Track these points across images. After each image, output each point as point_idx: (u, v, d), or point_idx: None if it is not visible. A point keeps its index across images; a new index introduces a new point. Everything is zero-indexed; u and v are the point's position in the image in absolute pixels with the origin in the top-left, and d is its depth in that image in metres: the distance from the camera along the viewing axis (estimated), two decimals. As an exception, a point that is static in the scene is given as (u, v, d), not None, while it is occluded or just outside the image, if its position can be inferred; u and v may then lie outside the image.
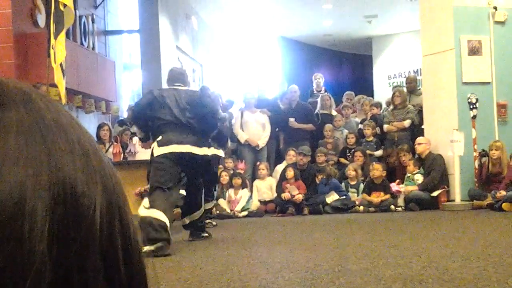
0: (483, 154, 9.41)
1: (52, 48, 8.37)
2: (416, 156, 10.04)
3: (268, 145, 10.99)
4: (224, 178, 9.85)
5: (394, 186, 9.69)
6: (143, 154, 8.36)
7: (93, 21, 11.82)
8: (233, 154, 10.60)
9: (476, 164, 9.55)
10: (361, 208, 9.56)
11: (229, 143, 8.93)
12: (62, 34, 8.64)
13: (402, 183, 9.89)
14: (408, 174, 9.88)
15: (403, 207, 9.55)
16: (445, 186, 9.58)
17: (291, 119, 11.20)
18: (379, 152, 10.72)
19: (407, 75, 16.63)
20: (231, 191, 9.78)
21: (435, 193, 9.49)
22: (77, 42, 10.98)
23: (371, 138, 10.83)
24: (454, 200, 9.40)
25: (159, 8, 12.42)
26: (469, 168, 9.55)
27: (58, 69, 8.42)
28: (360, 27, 17.16)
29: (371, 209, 9.48)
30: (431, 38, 10.17)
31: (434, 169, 9.65)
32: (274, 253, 5.50)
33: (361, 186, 9.93)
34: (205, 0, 14.45)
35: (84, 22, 11.40)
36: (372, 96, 16.48)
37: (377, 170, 9.71)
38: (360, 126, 11.35)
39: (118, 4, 13.24)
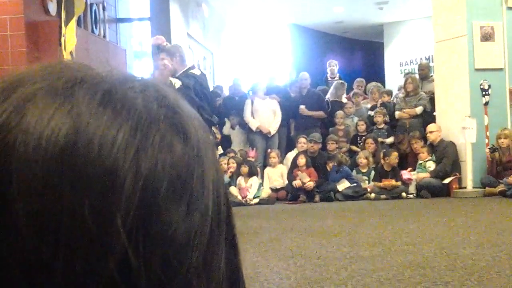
0: (493, 149, 9.32)
1: (63, 36, 8.41)
2: (428, 143, 9.99)
3: (279, 132, 10.96)
4: (232, 165, 9.85)
5: (405, 174, 9.65)
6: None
7: (104, 9, 11.79)
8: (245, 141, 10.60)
9: (487, 152, 9.48)
10: (373, 195, 9.54)
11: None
12: (73, 22, 8.68)
13: (414, 170, 9.86)
14: (420, 161, 9.84)
15: (415, 194, 9.52)
16: (457, 173, 9.54)
17: (302, 106, 11.17)
18: (390, 139, 10.68)
19: (419, 62, 16.54)
20: (241, 179, 9.78)
21: (446, 180, 9.45)
22: (88, 30, 10.97)
23: (382, 125, 10.79)
24: (466, 187, 9.36)
25: (169, -5, 12.40)
26: (481, 155, 9.49)
27: (69, 57, 8.45)
28: (372, 13, 17.03)
29: (383, 196, 9.45)
30: (444, 24, 10.10)
31: (446, 156, 9.60)
32: (285, 240, 5.51)
33: (372, 173, 9.90)
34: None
35: (95, 9, 11.38)
36: (384, 83, 16.40)
37: (393, 159, 9.65)
38: (370, 113, 11.30)
39: (129, -9, 13.21)
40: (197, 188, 0.47)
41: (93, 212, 0.42)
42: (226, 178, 8.33)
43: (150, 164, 0.44)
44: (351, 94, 12.35)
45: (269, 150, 10.47)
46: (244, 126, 10.78)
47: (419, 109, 10.59)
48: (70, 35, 8.50)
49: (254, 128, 10.68)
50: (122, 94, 0.46)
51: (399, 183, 9.54)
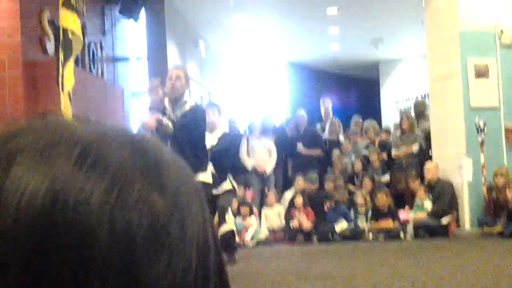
0: (491, 187, 9.30)
1: (61, 76, 8.42)
2: (425, 182, 9.98)
3: (275, 171, 10.94)
4: (234, 206, 9.82)
5: (402, 214, 9.62)
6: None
7: (101, 48, 11.87)
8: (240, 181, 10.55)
9: (485, 191, 9.46)
10: (370, 235, 9.49)
11: None
12: (71, 62, 8.69)
13: (411, 209, 9.83)
14: (417, 200, 9.82)
15: (413, 234, 9.48)
16: (455, 213, 9.51)
17: (299, 145, 11.18)
18: (385, 178, 10.66)
19: (414, 99, 16.66)
20: (238, 219, 9.73)
21: (444, 220, 9.42)
22: (85, 69, 11.03)
23: (377, 164, 10.78)
24: (463, 227, 9.32)
25: (167, 35, 12.50)
26: (478, 194, 9.47)
27: (66, 97, 8.45)
28: (367, 51, 17.19)
29: (380, 236, 9.41)
30: (438, 62, 10.18)
31: (443, 195, 9.58)
32: (283, 285, 5.46)
33: (370, 213, 9.87)
34: (212, 26, 14.53)
35: (93, 49, 11.46)
36: (380, 120, 16.48)
37: (381, 200, 9.64)
38: (365, 152, 11.30)
39: (126, 30, 13.31)
40: (177, 242, 0.47)
41: (71, 274, 0.43)
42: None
43: (125, 223, 0.45)
44: (348, 132, 12.37)
45: (266, 190, 10.44)
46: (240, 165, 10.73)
47: (415, 148, 10.61)
48: (68, 75, 8.50)
49: (249, 167, 10.66)
50: (97, 153, 0.48)
51: (396, 223, 9.51)
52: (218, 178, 6.57)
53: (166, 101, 6.07)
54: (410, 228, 9.55)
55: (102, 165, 0.47)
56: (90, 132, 0.50)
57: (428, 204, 9.67)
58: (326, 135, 11.98)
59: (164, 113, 6.05)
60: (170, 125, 5.87)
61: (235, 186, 7.47)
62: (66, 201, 0.44)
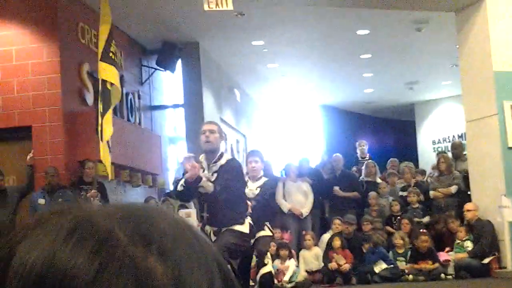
0: None
1: (100, 126, 8.62)
2: (465, 222, 9.87)
3: (312, 214, 10.92)
4: (272, 249, 9.80)
5: (443, 255, 9.49)
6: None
7: (139, 97, 12.14)
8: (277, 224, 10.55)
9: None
10: (410, 277, 9.37)
11: None
12: (109, 112, 8.90)
13: (451, 250, 9.71)
14: (458, 241, 9.70)
15: (454, 275, 9.33)
16: (496, 253, 9.35)
17: (336, 188, 11.19)
18: (426, 219, 10.57)
19: (452, 139, 16.54)
20: (277, 262, 9.71)
21: (485, 260, 9.26)
22: (124, 118, 11.27)
23: (416, 205, 10.71)
24: (506, 267, 9.15)
25: (202, 83, 12.72)
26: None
27: (105, 146, 8.63)
28: (402, 93, 17.24)
29: (421, 278, 9.28)
30: (474, 104, 10.13)
31: (484, 235, 9.45)
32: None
33: (409, 254, 9.76)
34: (247, 73, 14.75)
35: (130, 98, 11.72)
36: (417, 161, 16.37)
37: (421, 241, 9.53)
38: (402, 193, 11.23)
39: (163, 80, 13.61)
40: None
41: None
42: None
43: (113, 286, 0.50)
44: (385, 174, 12.33)
45: (304, 232, 10.42)
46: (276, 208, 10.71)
47: (453, 188, 10.52)
48: (107, 125, 8.70)
49: (286, 210, 10.67)
50: (86, 224, 0.54)
51: (436, 264, 9.38)
52: (257, 226, 6.58)
53: (202, 157, 6.12)
54: (451, 269, 9.41)
55: (88, 235, 0.53)
56: (89, 208, 0.57)
57: (469, 245, 9.54)
58: (362, 177, 11.95)
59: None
60: (210, 185, 5.90)
61: (273, 232, 7.51)
62: (57, 272, 0.51)
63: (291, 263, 9.68)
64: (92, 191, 8.83)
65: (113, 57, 9.08)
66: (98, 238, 0.52)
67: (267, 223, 7.24)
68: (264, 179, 7.36)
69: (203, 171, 6.03)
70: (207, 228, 6.03)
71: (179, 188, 5.95)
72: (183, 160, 5.94)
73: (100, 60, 8.91)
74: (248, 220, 6.15)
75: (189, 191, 5.92)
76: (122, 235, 0.53)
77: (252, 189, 6.86)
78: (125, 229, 0.53)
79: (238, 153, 14.55)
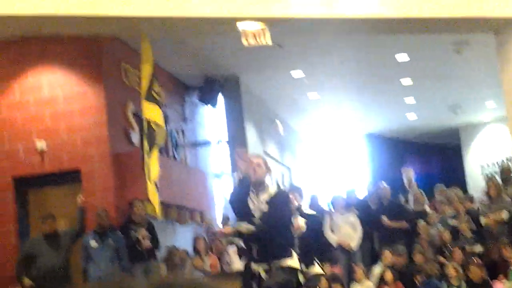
0: None
1: (146, 165, 8.72)
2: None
3: (361, 246, 10.79)
4: (324, 285, 9.69)
5: (498, 285, 9.26)
6: (238, 265, 8.39)
7: (183, 134, 12.26)
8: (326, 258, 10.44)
9: None
10: (466, 308, 9.16)
11: None
12: (155, 151, 9.00)
13: (506, 278, 9.46)
14: (512, 269, 9.46)
15: (510, 305, 9.09)
16: (554, 280, 9.09)
17: (384, 218, 11.05)
18: (478, 248, 10.34)
19: (500, 162, 16.24)
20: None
21: (543, 288, 9.01)
22: (169, 156, 11.37)
23: (469, 234, 10.49)
24: None
25: (244, 116, 12.80)
26: None
27: (152, 185, 8.72)
28: (446, 118, 17.06)
29: (476, 309, 9.06)
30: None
31: (540, 262, 9.20)
32: None
33: (463, 284, 9.54)
34: (289, 105, 14.80)
35: (174, 135, 11.84)
36: (465, 187, 16.11)
37: (475, 271, 9.32)
38: (450, 221, 11.01)
39: (206, 115, 13.72)
40: None
41: None
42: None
43: None
44: (434, 201, 12.14)
45: (354, 265, 10.29)
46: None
47: (505, 214, 10.29)
48: (153, 164, 8.81)
49: (334, 244, 10.56)
50: None
51: (492, 294, 9.15)
52: (305, 262, 6.56)
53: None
54: (507, 299, 9.17)
55: None
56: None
57: (524, 273, 9.29)
58: (410, 206, 11.79)
59: (248, 192, 6.10)
60: (251, 227, 5.94)
61: (323, 269, 7.47)
62: None
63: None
64: (143, 231, 8.90)
65: (156, 96, 9.23)
66: None
67: (316, 259, 7.21)
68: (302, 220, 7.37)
69: (253, 203, 6.06)
70: (255, 267, 6.00)
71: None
72: (237, 155, 6.03)
73: (144, 99, 9.07)
74: (294, 253, 6.13)
75: (246, 189, 5.98)
76: None
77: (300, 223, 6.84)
78: None
79: (283, 186, 14.51)
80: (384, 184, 11.74)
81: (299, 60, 12.14)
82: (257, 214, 5.98)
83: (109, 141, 9.62)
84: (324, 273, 7.57)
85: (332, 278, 9.69)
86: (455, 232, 10.67)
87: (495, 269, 9.90)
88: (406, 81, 13.96)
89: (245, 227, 5.92)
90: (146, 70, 9.16)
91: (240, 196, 6.13)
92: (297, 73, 12.85)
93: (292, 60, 12.08)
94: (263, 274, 5.91)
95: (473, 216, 10.87)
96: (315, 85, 13.70)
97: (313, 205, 11.64)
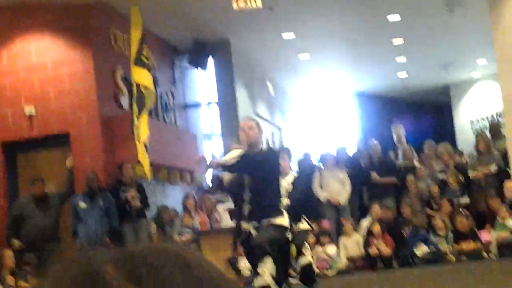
0: None
1: (136, 128, 8.81)
2: (506, 200, 9.78)
3: (350, 201, 10.95)
4: (311, 240, 9.88)
5: (485, 235, 9.44)
6: (228, 222, 8.54)
7: (173, 97, 12.32)
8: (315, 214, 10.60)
9: None
10: (452, 258, 9.34)
11: None
12: (145, 115, 9.08)
13: (493, 228, 9.63)
14: (499, 220, 9.62)
15: (496, 254, 9.27)
16: (539, 230, 9.26)
17: (374, 174, 11.18)
18: (465, 200, 10.50)
19: (490, 118, 16.34)
20: (318, 250, 9.78)
21: (529, 238, 9.18)
22: (159, 118, 11.46)
23: (455, 186, 10.64)
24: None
25: (235, 78, 12.84)
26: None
27: (142, 147, 8.82)
28: (436, 76, 17.08)
29: (463, 258, 9.25)
30: (510, 81, 10.01)
31: (525, 213, 9.37)
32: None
33: (450, 235, 9.73)
34: (279, 66, 14.81)
35: (164, 98, 11.90)
36: (455, 142, 16.23)
37: (461, 222, 9.51)
38: (440, 175, 11.16)
39: (196, 78, 13.77)
40: None
41: None
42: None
43: None
44: (423, 157, 12.26)
45: (343, 219, 10.46)
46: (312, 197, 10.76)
47: (493, 167, 10.43)
48: (143, 127, 8.89)
49: (323, 200, 10.71)
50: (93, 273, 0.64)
51: (478, 244, 9.33)
52: (293, 219, 6.68)
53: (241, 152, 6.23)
54: (493, 248, 9.35)
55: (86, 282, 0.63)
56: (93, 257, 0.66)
57: (511, 223, 9.46)
58: (400, 161, 11.92)
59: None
60: (226, 176, 6.06)
61: (311, 226, 7.63)
62: None
63: (331, 251, 9.74)
64: (132, 192, 9.04)
65: (145, 60, 9.28)
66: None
67: (304, 216, 7.34)
68: (294, 175, 7.48)
69: None
70: (245, 225, 6.11)
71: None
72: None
73: (133, 64, 9.12)
74: (285, 212, 6.24)
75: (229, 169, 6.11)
76: (116, 278, 0.62)
77: (284, 185, 6.93)
78: (120, 273, 0.62)
79: (274, 145, 14.63)
80: (374, 141, 11.85)
81: (289, 22, 12.13)
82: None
83: (98, 105, 9.70)
84: (311, 229, 7.71)
85: (321, 232, 9.90)
86: (443, 186, 10.82)
87: (483, 220, 10.07)
88: (398, 41, 13.98)
89: (232, 156, 6.02)
90: (135, 35, 9.19)
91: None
92: (288, 35, 12.85)
93: (282, 22, 12.07)
94: (253, 232, 6.03)
95: (462, 169, 11.01)
96: (306, 46, 13.71)
97: (306, 162, 11.78)
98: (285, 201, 6.72)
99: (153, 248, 0.66)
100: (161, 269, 0.61)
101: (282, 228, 6.11)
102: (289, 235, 6.57)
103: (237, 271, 9.08)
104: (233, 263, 8.99)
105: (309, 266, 7.25)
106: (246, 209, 6.09)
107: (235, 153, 6.05)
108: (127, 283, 0.60)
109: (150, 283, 0.60)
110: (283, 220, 6.12)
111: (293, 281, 7.63)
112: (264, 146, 6.81)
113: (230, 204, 9.53)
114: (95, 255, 0.64)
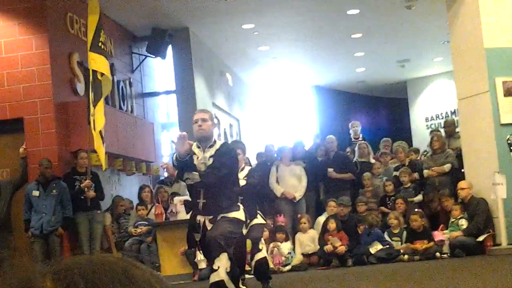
0: None
1: (92, 116, 8.63)
2: (459, 200, 9.91)
3: (306, 197, 10.95)
4: (265, 234, 9.85)
5: (438, 235, 9.55)
6: (184, 214, 8.45)
7: (130, 85, 12.12)
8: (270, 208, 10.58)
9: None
10: (406, 257, 9.44)
11: None
12: (101, 102, 8.91)
13: (446, 228, 9.76)
14: (452, 219, 9.75)
15: (449, 254, 9.40)
16: (491, 230, 9.41)
17: (330, 170, 11.20)
18: (418, 198, 10.61)
19: (445, 116, 16.58)
20: (273, 245, 9.76)
21: (480, 238, 9.32)
22: (115, 107, 11.25)
23: (408, 185, 10.74)
24: (500, 244, 9.22)
25: (193, 68, 12.69)
26: (513, 211, 9.36)
27: (98, 136, 8.65)
28: (394, 72, 17.24)
29: (416, 257, 9.35)
30: (465, 81, 10.14)
31: (478, 213, 9.50)
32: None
33: (404, 234, 9.82)
34: (238, 57, 14.72)
35: (122, 86, 11.70)
36: (410, 139, 16.41)
37: (415, 220, 9.61)
38: (395, 173, 11.26)
39: (154, 66, 13.57)
40: None
41: None
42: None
43: None
44: (378, 154, 12.36)
45: (299, 215, 10.45)
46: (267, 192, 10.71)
47: (447, 167, 10.55)
48: (99, 114, 8.72)
49: (278, 194, 10.68)
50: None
51: (431, 243, 9.44)
52: (248, 214, 6.62)
53: (194, 146, 6.11)
54: (446, 247, 9.48)
55: None
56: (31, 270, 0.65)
57: (463, 223, 9.59)
58: (356, 158, 11.98)
59: (191, 160, 6.05)
60: (196, 174, 5.94)
61: (266, 220, 7.61)
62: None
63: (286, 247, 9.73)
64: (86, 181, 8.86)
65: (102, 47, 9.09)
66: None
67: (259, 211, 7.31)
68: (248, 168, 7.43)
69: (197, 158, 6.05)
70: (200, 218, 6.03)
71: (175, 163, 6.02)
72: (177, 139, 5.97)
73: (90, 50, 8.92)
74: (242, 206, 6.18)
75: (183, 164, 5.96)
76: None
77: (240, 178, 6.87)
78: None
79: (231, 137, 14.55)
80: (331, 137, 11.87)
81: (249, 13, 12.04)
82: (201, 168, 5.98)
83: (52, 91, 9.46)
84: (265, 223, 7.70)
85: (276, 228, 9.88)
86: (398, 183, 10.91)
87: (436, 219, 10.19)
88: (357, 35, 14.03)
89: (193, 173, 5.92)
90: (93, 20, 8.99)
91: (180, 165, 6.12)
92: (247, 26, 12.76)
93: (242, 13, 11.98)
94: (208, 224, 5.95)
95: (418, 168, 11.11)
96: (266, 38, 13.64)
97: (266, 154, 11.69)
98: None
99: (96, 261, 0.64)
100: (101, 284, 0.60)
101: (237, 221, 6.04)
102: (245, 230, 6.53)
103: (194, 265, 9.00)
104: (189, 256, 8.91)
105: (264, 261, 7.23)
106: (200, 203, 6.00)
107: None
108: None
109: None
110: (239, 214, 6.05)
111: (248, 276, 7.59)
112: (217, 138, 6.69)
113: (187, 197, 9.45)
114: (35, 268, 0.63)
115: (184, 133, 6.06)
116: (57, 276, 0.60)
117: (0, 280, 0.61)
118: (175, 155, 6.01)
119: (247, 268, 7.64)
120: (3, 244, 8.19)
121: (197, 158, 6.02)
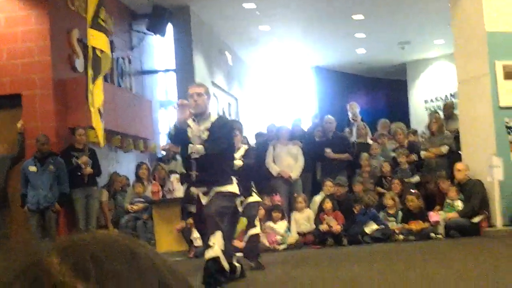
0: None
1: (90, 93, 8.62)
2: (455, 182, 9.94)
3: (303, 177, 10.97)
4: (261, 212, 9.89)
5: (433, 216, 9.59)
6: (180, 192, 8.47)
7: (129, 62, 12.10)
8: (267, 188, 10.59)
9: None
10: (401, 237, 9.49)
11: None
12: (100, 79, 8.89)
13: (442, 209, 9.80)
14: (448, 201, 9.79)
15: (444, 235, 9.45)
16: (486, 212, 9.46)
17: (328, 150, 11.21)
18: (415, 179, 10.64)
19: (444, 98, 16.55)
20: (269, 224, 9.81)
21: (475, 219, 9.37)
22: (114, 84, 11.25)
23: (405, 166, 10.77)
24: (495, 226, 9.27)
25: (193, 47, 12.66)
26: (509, 193, 9.40)
27: (96, 113, 8.64)
28: (394, 53, 17.19)
29: (411, 237, 9.40)
30: (466, 64, 10.12)
31: (474, 195, 9.54)
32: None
33: (400, 214, 9.87)
34: (238, 36, 14.67)
35: (121, 63, 11.68)
36: (409, 121, 16.42)
37: (411, 201, 9.65)
38: (393, 154, 11.28)
39: (154, 44, 13.53)
40: None
41: None
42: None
43: None
44: (376, 135, 12.37)
45: (295, 195, 10.49)
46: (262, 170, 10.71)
47: (444, 149, 10.57)
48: (97, 91, 8.71)
49: (275, 174, 10.70)
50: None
51: (426, 224, 9.49)
52: (244, 193, 6.65)
53: (190, 120, 6.12)
54: (441, 228, 9.53)
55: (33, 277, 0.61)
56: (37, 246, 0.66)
57: (459, 204, 9.63)
58: (354, 138, 11.99)
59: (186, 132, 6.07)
60: (200, 147, 5.95)
61: (261, 198, 7.63)
62: None
63: (282, 225, 9.78)
64: (84, 157, 8.88)
65: (102, 23, 9.05)
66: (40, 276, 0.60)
67: (254, 190, 7.32)
68: (244, 147, 7.44)
69: (192, 131, 6.07)
70: (194, 190, 6.04)
71: (172, 132, 6.05)
72: (177, 105, 5.99)
73: (90, 27, 8.88)
74: (235, 179, 6.19)
75: (181, 134, 5.99)
76: (60, 270, 0.60)
77: (236, 158, 6.88)
78: (65, 265, 0.61)
79: (230, 116, 14.56)
80: (329, 117, 11.87)
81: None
82: (196, 142, 5.99)
83: (51, 67, 9.45)
84: (260, 201, 7.73)
85: (273, 206, 9.91)
86: (395, 164, 10.94)
87: (432, 200, 10.24)
88: (358, 17, 13.98)
89: (197, 146, 5.95)
90: (93, -3, 8.95)
91: (177, 138, 6.14)
92: (248, 5, 12.71)
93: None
94: (201, 197, 5.96)
95: (416, 149, 11.14)
96: (266, 17, 13.59)
97: (270, 135, 11.65)
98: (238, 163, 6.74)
99: (100, 238, 0.65)
100: (107, 261, 0.61)
101: (231, 195, 6.07)
102: (240, 208, 6.56)
103: (189, 242, 9.06)
104: (185, 234, 8.96)
105: (256, 236, 7.27)
106: (193, 174, 6.01)
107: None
108: (73, 279, 0.59)
109: (97, 276, 0.60)
110: (232, 187, 6.07)
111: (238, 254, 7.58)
112: (212, 112, 6.68)
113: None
114: (40, 245, 0.64)
115: (185, 100, 6.07)
116: (64, 252, 0.61)
117: (6, 256, 0.63)
118: (173, 125, 6.05)
119: (238, 245, 7.64)
120: (1, 218, 8.23)
121: (192, 131, 6.04)
